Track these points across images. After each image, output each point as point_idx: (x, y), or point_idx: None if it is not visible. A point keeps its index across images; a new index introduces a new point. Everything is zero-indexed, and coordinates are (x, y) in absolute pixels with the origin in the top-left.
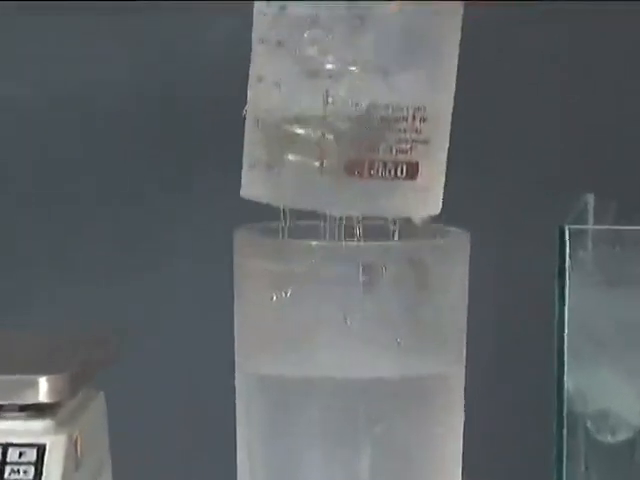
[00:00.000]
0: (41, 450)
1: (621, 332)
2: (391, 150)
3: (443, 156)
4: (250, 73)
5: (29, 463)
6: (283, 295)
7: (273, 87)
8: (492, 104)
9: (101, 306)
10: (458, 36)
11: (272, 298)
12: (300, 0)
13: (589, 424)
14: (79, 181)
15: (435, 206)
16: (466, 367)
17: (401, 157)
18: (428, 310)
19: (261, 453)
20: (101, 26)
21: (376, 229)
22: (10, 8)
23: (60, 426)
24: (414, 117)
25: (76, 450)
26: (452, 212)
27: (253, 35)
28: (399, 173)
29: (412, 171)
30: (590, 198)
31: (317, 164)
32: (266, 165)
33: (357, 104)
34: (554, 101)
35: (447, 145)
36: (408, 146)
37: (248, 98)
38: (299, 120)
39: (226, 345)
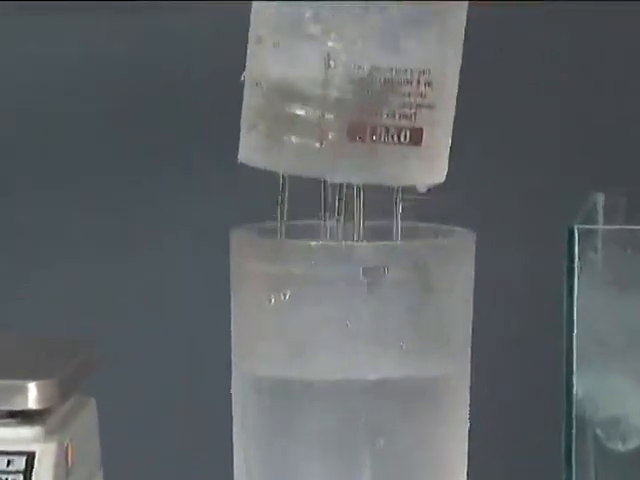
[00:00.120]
0: (30, 458)
1: (632, 336)
2: (394, 115)
3: (449, 123)
4: (249, 34)
5: (18, 472)
6: (281, 297)
7: (272, 48)
8: (500, 101)
9: (97, 307)
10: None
11: (270, 300)
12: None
13: (599, 431)
14: (78, 181)
15: (440, 174)
16: (472, 370)
17: (405, 122)
18: (432, 313)
19: (258, 457)
20: (101, 26)
21: (377, 230)
22: (10, 8)
23: (50, 433)
24: (419, 81)
25: (66, 458)
26: (457, 211)
27: None
28: (402, 139)
29: (416, 137)
30: (600, 197)
31: (317, 129)
32: (264, 130)
33: (359, 66)
34: (563, 99)
35: (453, 112)
36: (412, 111)
37: (247, 60)
38: (299, 83)
39: (225, 347)
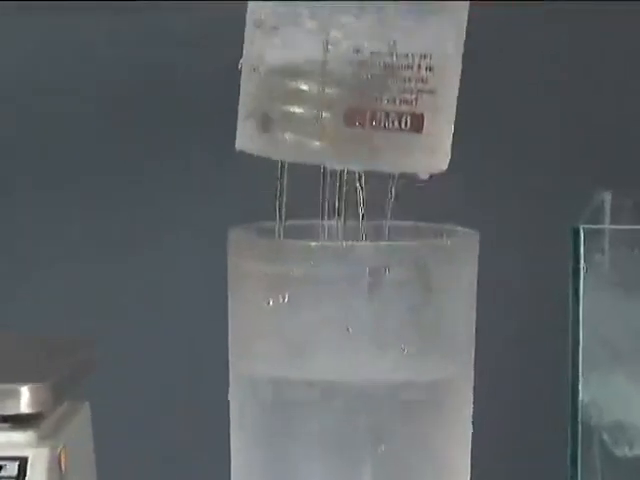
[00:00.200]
0: (23, 463)
1: (639, 338)
2: (394, 100)
3: (451, 110)
4: (247, 19)
5: (10, 477)
6: (280, 298)
7: (270, 32)
8: (503, 101)
9: (94, 307)
10: None
11: (268, 301)
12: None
13: (605, 436)
14: (78, 181)
15: (442, 162)
16: (475, 372)
17: (405, 108)
18: (434, 314)
19: (255, 458)
20: (101, 26)
21: (378, 230)
22: (10, 8)
23: (43, 438)
24: (419, 65)
25: (60, 464)
26: (461, 211)
27: None
28: (403, 125)
29: (417, 123)
30: (606, 196)
31: (315, 113)
32: (262, 115)
33: (358, 50)
34: (564, 98)
35: (455, 99)
36: (413, 96)
37: (244, 46)
38: (297, 67)
39: (224, 347)
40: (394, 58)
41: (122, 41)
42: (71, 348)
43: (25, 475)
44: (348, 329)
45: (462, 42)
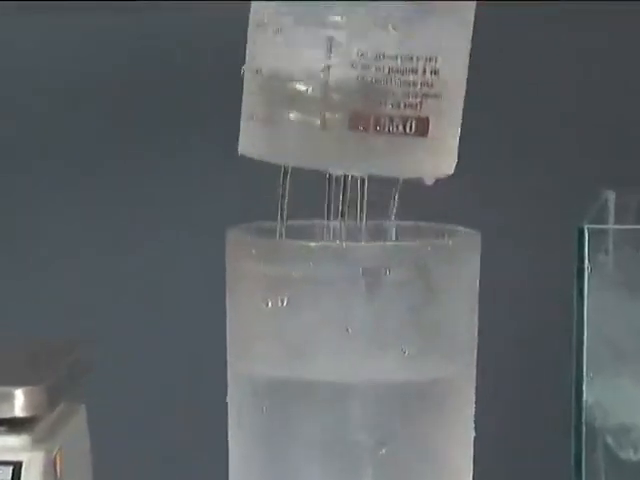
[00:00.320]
0: (17, 468)
1: None
2: (399, 104)
3: (457, 114)
4: (250, 20)
5: None
6: (279, 300)
7: (273, 34)
8: (508, 100)
9: (92, 308)
10: None
11: (267, 302)
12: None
13: (609, 439)
14: (78, 181)
15: (448, 167)
16: (478, 372)
17: (410, 112)
18: (436, 315)
19: (254, 459)
20: (101, 26)
21: (379, 230)
22: (10, 8)
23: (38, 442)
24: (424, 69)
25: (55, 468)
26: (463, 211)
27: None
28: (408, 129)
29: (422, 127)
30: (611, 195)
31: (319, 117)
32: (265, 119)
33: (362, 53)
34: (565, 98)
35: (462, 103)
36: (418, 100)
37: (247, 47)
38: (300, 70)
39: (224, 347)
40: (398, 61)
41: (122, 41)
42: (67, 350)
43: (20, 479)
44: (348, 330)
45: (468, 45)
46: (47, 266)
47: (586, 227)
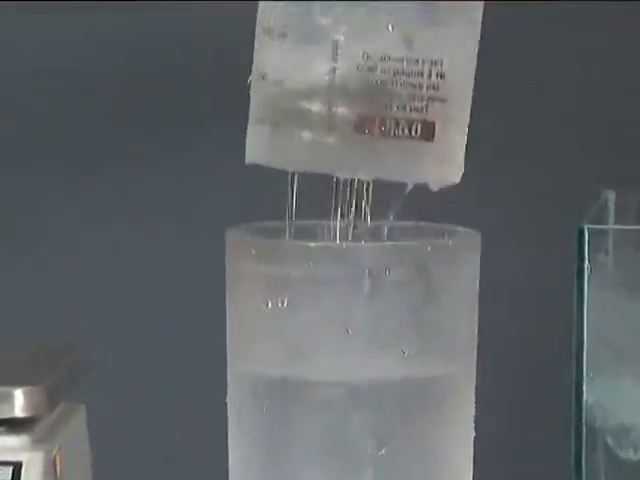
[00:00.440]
0: (17, 468)
1: None
2: (405, 107)
3: (464, 120)
4: (257, 25)
5: None
6: (279, 300)
7: (279, 39)
8: (508, 100)
9: (92, 308)
10: None
11: (267, 303)
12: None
13: (609, 439)
14: (78, 181)
15: (454, 174)
16: (478, 372)
17: (416, 115)
18: (436, 316)
19: (253, 458)
20: (101, 26)
21: (379, 230)
22: (10, 8)
23: (37, 442)
24: (430, 72)
25: (55, 468)
26: (463, 211)
27: None
28: (413, 132)
29: (428, 131)
30: (611, 195)
31: (325, 121)
32: (271, 124)
33: (368, 56)
34: (567, 98)
35: (469, 108)
36: (423, 103)
37: (254, 53)
38: (306, 74)
39: (224, 347)
40: (404, 64)
41: (122, 41)
42: (67, 350)
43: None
44: (348, 330)
45: (475, 51)
46: (47, 266)
47: (586, 227)
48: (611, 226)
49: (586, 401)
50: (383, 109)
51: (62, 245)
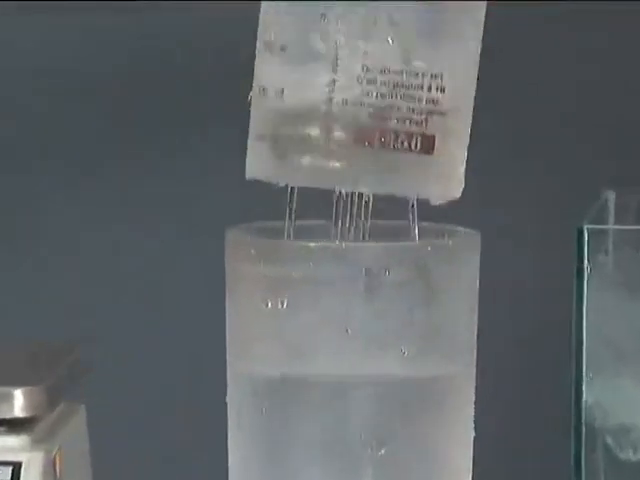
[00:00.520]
0: (17, 468)
1: None
2: (404, 120)
3: (464, 134)
4: (257, 40)
5: None
6: (278, 300)
7: (279, 52)
8: (508, 100)
9: (92, 308)
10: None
11: (267, 303)
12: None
13: (609, 440)
14: (78, 181)
15: (454, 189)
16: (478, 372)
17: (415, 129)
18: (436, 316)
19: (253, 459)
20: (101, 26)
21: (380, 230)
22: (10, 8)
23: (37, 442)
24: (430, 85)
25: (55, 468)
26: (463, 211)
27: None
28: (413, 146)
29: (427, 145)
30: (611, 195)
31: (325, 134)
32: (271, 139)
33: (368, 69)
34: (571, 96)
35: (469, 123)
36: (423, 117)
37: (255, 67)
38: (306, 87)
39: (224, 348)
40: (404, 77)
41: (122, 41)
42: (67, 350)
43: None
44: (347, 330)
45: (476, 66)
46: (47, 266)
47: (586, 227)
48: (611, 226)
49: (586, 401)
50: (382, 122)
51: (62, 245)
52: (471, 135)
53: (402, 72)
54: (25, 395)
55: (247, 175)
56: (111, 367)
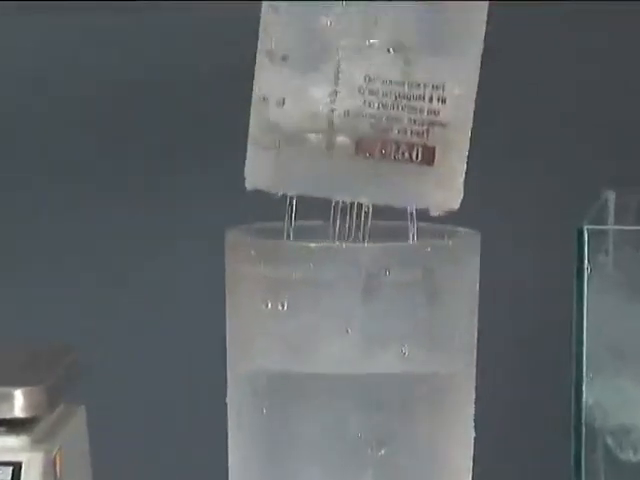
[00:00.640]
0: (17, 469)
1: None
2: (405, 131)
3: (464, 146)
4: (258, 48)
5: None
6: (278, 301)
7: (281, 62)
8: (508, 100)
9: (92, 309)
10: (485, 11)
11: (267, 304)
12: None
13: (609, 440)
14: (77, 181)
15: (454, 200)
16: (478, 372)
17: (416, 139)
18: (436, 317)
19: (253, 459)
20: (101, 26)
21: (380, 230)
22: (10, 8)
23: (37, 442)
24: (431, 96)
25: (55, 468)
26: (463, 212)
27: (263, 3)
28: (414, 157)
29: (428, 156)
30: (611, 195)
31: (325, 143)
32: (271, 148)
33: (370, 79)
34: (571, 96)
35: (469, 135)
36: (424, 128)
37: (255, 75)
38: (307, 97)
39: (223, 350)
40: (405, 88)
41: (122, 41)
42: (67, 350)
43: None
44: (348, 330)
45: (477, 75)
46: (47, 267)
47: (586, 227)
48: (611, 226)
49: (586, 401)
50: (383, 132)
51: (62, 245)
52: (471, 135)
53: (404, 83)
54: (25, 395)
55: (247, 185)
56: (111, 367)
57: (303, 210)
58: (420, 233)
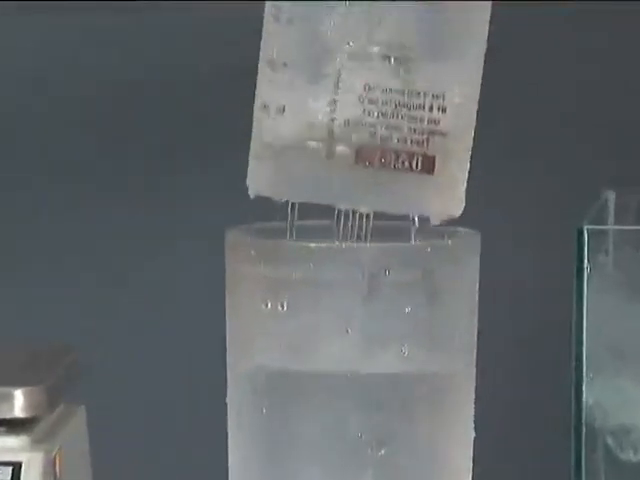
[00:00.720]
0: (17, 469)
1: None
2: (405, 139)
3: (465, 155)
4: (260, 55)
5: None
6: (278, 301)
7: (281, 69)
8: (508, 100)
9: (92, 309)
10: (487, 20)
11: (267, 304)
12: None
13: (609, 440)
14: (77, 181)
15: (455, 208)
16: (478, 372)
17: (416, 148)
18: (436, 317)
19: (254, 458)
20: (101, 26)
21: (380, 230)
22: (10, 8)
23: (37, 442)
24: (432, 106)
25: (55, 468)
26: (463, 211)
27: (265, 10)
28: (414, 166)
29: (428, 165)
30: (611, 195)
31: (325, 152)
32: (272, 156)
33: (370, 88)
34: (571, 96)
35: (470, 144)
36: (424, 137)
37: (257, 84)
38: (307, 105)
39: (223, 350)
40: (405, 96)
41: (122, 41)
42: (67, 350)
43: None
44: (348, 330)
45: (478, 89)
46: (47, 267)
47: (586, 227)
48: (611, 226)
49: (586, 401)
50: (384, 141)
51: (62, 245)
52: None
53: (404, 92)
54: (25, 395)
55: (250, 192)
56: (111, 367)
57: (304, 210)
58: (420, 233)
